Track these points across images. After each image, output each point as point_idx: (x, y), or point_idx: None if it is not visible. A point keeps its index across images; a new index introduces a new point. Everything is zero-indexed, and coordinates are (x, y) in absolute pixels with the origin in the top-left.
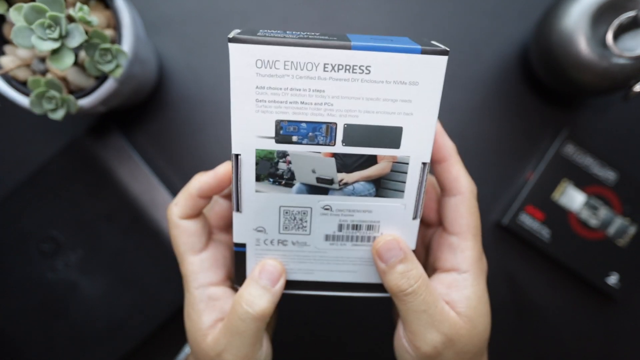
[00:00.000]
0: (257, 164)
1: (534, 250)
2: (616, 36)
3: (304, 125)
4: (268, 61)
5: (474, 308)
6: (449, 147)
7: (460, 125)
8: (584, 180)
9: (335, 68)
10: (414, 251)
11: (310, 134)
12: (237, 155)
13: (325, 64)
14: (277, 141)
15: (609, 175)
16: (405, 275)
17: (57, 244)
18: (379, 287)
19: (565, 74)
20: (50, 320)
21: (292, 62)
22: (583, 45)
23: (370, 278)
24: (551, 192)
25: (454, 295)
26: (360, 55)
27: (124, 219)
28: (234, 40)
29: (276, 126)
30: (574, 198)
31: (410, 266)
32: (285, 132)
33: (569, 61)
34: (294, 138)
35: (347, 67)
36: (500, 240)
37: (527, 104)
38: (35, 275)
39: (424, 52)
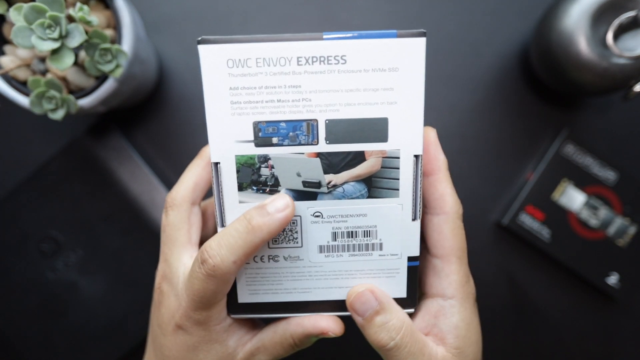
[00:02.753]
0: (238, 171)
1: (534, 250)
2: (616, 36)
3: (283, 124)
4: (239, 60)
5: (462, 337)
6: (440, 161)
7: (460, 125)
8: (584, 180)
9: (309, 60)
10: (418, 258)
11: (290, 133)
12: (216, 164)
13: (298, 57)
14: (257, 144)
15: (609, 175)
16: (385, 327)
17: (57, 244)
18: None
19: (565, 74)
20: (50, 320)
21: (264, 58)
22: (583, 45)
23: None
24: (551, 192)
25: (442, 325)
26: (333, 44)
27: (124, 219)
28: (203, 41)
29: (254, 128)
30: (574, 198)
31: (389, 316)
32: (264, 134)
33: (569, 61)
34: (274, 140)
35: (322, 59)
36: (500, 240)
37: (527, 104)
38: (35, 275)
39: (399, 35)
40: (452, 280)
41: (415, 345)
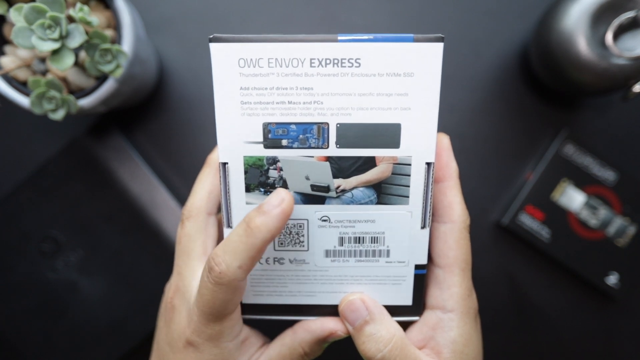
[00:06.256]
0: (246, 172)
1: (533, 250)
2: (616, 36)
3: (293, 127)
4: (251, 59)
5: (460, 353)
6: (452, 169)
7: (460, 125)
8: (583, 180)
9: (323, 63)
10: (426, 266)
11: (300, 136)
12: (224, 164)
13: (311, 59)
14: (266, 146)
15: (608, 175)
16: (373, 338)
17: (57, 244)
18: (391, 310)
19: (565, 74)
20: (50, 320)
21: (276, 59)
22: (583, 45)
23: (380, 300)
24: (551, 192)
25: (439, 339)
26: (348, 47)
27: (124, 219)
28: (215, 39)
29: (264, 129)
30: (573, 198)
31: (378, 327)
32: (274, 135)
33: (569, 61)
34: (284, 142)
35: (335, 61)
36: (500, 240)
37: (527, 104)
38: (35, 275)
39: (416, 40)
40: (453, 292)
41: (405, 359)
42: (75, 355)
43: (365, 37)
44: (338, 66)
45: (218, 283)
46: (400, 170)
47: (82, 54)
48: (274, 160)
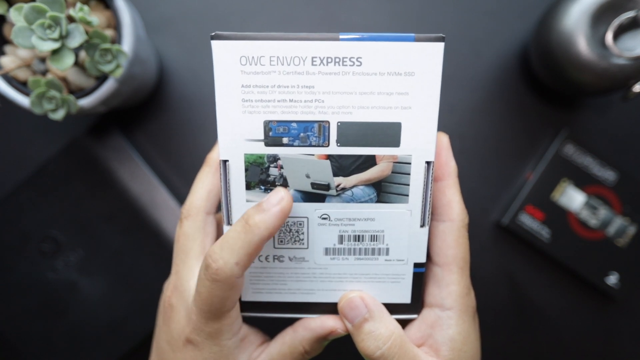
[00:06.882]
0: (246, 170)
1: (533, 250)
2: (616, 36)
3: (294, 125)
4: (253, 57)
5: (458, 351)
6: (451, 168)
7: (460, 125)
8: (583, 180)
9: (324, 61)
10: (425, 264)
11: (301, 134)
12: (225, 162)
13: (313, 58)
14: (267, 144)
15: (608, 175)
16: (372, 335)
17: (57, 244)
18: (390, 308)
19: (565, 74)
20: (50, 320)
21: (278, 57)
22: (583, 45)
23: (379, 297)
24: (551, 192)
25: (438, 337)
26: (349, 46)
27: (124, 219)
28: (216, 37)
29: (265, 127)
30: (573, 198)
31: (377, 325)
32: (274, 133)
33: (569, 61)
34: (285, 140)
35: (337, 60)
36: (500, 240)
37: (527, 104)
38: (35, 275)
39: (417, 39)
40: (451, 290)
41: (404, 357)
42: (75, 355)
43: (367, 36)
44: (339, 65)
45: (215, 280)
46: (400, 169)
47: (82, 54)
48: (274, 158)
